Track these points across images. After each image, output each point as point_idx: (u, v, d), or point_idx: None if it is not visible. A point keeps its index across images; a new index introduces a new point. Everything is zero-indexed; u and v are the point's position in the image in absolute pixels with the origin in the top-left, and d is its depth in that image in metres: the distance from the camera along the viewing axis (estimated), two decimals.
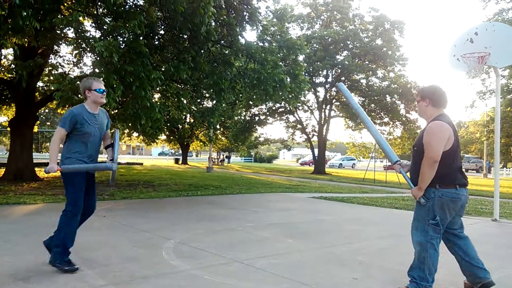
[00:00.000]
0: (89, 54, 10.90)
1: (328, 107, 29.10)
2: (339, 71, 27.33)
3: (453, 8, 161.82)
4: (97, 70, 8.55)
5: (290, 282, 3.52)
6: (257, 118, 29.76)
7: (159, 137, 27.45)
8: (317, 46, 26.55)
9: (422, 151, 3.23)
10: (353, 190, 14.42)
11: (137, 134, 25.32)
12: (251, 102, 24.82)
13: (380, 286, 3.54)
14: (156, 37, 10.90)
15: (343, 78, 27.98)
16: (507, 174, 46.93)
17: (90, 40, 8.71)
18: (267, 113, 29.62)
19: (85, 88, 3.77)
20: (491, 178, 32.20)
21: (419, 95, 3.48)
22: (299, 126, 29.97)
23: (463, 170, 3.40)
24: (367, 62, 27.38)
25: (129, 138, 31.99)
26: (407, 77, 28.66)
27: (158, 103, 12.63)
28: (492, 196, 8.42)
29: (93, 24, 10.67)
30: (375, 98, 26.74)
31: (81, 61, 14.70)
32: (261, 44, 12.53)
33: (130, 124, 12.97)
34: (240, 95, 15.73)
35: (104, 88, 3.86)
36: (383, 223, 7.28)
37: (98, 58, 8.56)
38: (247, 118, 29.61)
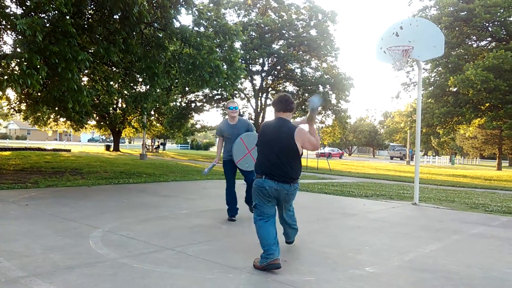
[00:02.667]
0: (9, 32, 10.05)
1: (264, 95, 29.45)
2: (275, 60, 27.69)
3: (383, 2, 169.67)
4: (19, 50, 7.92)
5: (222, 267, 3.55)
6: (193, 104, 29.39)
7: (87, 122, 26.16)
8: (253, 34, 26.66)
9: None
10: None
11: (64, 119, 23.98)
12: (187, 88, 24.44)
13: (308, 267, 3.67)
14: (85, 17, 10.30)
15: (279, 67, 28.40)
16: (427, 161, 50.63)
17: (11, 17, 8.03)
18: (204, 100, 29.34)
19: (225, 107, 5.73)
20: (413, 165, 34.53)
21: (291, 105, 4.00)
22: None
23: (280, 163, 3.71)
24: (301, 52, 28.01)
25: (56, 123, 30.20)
26: (339, 68, 29.78)
27: (87, 86, 12.03)
28: (413, 182, 9.04)
29: (14, 0, 9.84)
30: (309, 87, 27.48)
31: (1, 39, 13.55)
32: (196, 28, 12.33)
33: (56, 108, 12.23)
34: (176, 80, 15.41)
35: (235, 105, 5.85)
36: (313, 208, 7.55)
37: (20, 37, 7.94)
38: (183, 104, 29.14)
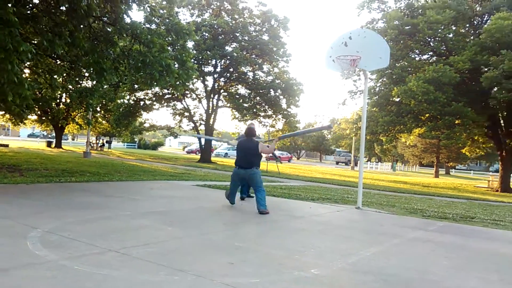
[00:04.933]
0: None
1: (216, 96, 29.31)
2: (227, 62, 27.67)
3: (333, 11, 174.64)
4: None
5: (167, 269, 3.48)
6: (142, 102, 28.64)
7: (28, 117, 24.78)
8: (207, 35, 26.47)
9: None
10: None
11: (2, 112, 22.56)
12: (136, 86, 23.80)
13: (254, 269, 3.70)
14: (29, 6, 9.77)
15: (231, 69, 28.41)
16: (371, 167, 52.63)
17: None
18: (154, 98, 28.69)
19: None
20: (357, 170, 35.78)
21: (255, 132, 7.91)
22: (186, 114, 29.64)
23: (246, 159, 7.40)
24: (254, 56, 28.19)
25: None
26: (290, 73, 30.24)
27: (29, 79, 11.41)
28: (357, 187, 9.37)
29: None
30: (261, 91, 27.70)
31: None
32: (148, 25, 12.06)
33: None
34: (124, 77, 14.98)
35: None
36: None
37: None
38: (131, 102, 28.30)
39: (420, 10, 21.54)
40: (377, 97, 22.60)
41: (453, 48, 20.03)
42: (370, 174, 31.88)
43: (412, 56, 22.52)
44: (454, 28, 20.86)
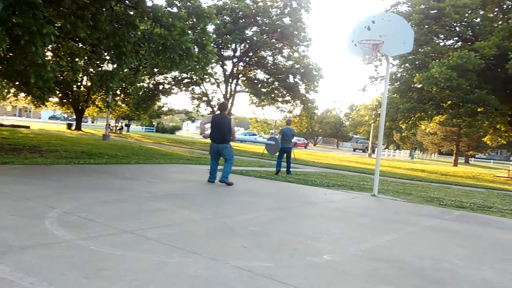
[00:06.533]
0: None
1: (234, 81, 29.26)
2: (247, 46, 27.50)
3: None
4: None
5: (182, 251, 3.54)
6: (161, 86, 28.83)
7: (49, 99, 25.22)
8: (227, 19, 26.32)
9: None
10: (252, 164, 14.85)
11: (24, 94, 23.02)
12: (155, 70, 23.92)
13: (267, 253, 3.72)
14: None
15: (251, 54, 28.25)
16: (388, 154, 52.10)
17: None
18: (172, 83, 28.83)
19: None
20: (374, 157, 35.47)
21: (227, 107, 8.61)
22: (204, 98, 29.73)
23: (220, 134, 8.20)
24: (274, 40, 27.91)
25: (16, 98, 28.97)
26: (310, 58, 29.88)
27: (51, 61, 11.57)
28: (373, 174, 9.30)
29: None
30: (279, 76, 27.51)
31: None
32: (169, 8, 12.05)
33: (17, 83, 11.71)
34: (144, 60, 15.04)
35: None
36: (275, 195, 7.64)
37: None
38: (151, 86, 28.52)
39: None
40: (398, 83, 22.22)
41: (479, 33, 19.47)
42: (388, 162, 31.56)
43: (437, 41, 21.98)
44: (482, 12, 20.24)
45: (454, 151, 46.72)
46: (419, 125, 26.60)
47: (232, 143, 8.64)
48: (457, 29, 20.92)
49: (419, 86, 20.51)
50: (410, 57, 20.50)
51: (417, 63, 20.66)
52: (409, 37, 8.47)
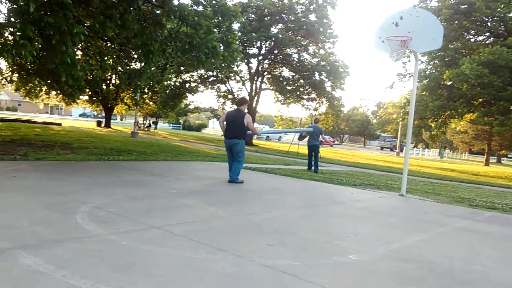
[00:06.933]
0: (4, 1, 9.84)
1: (259, 79, 29.26)
2: (272, 43, 27.44)
3: None
4: (13, 20, 7.76)
5: (208, 247, 3.57)
6: (187, 85, 29.13)
7: (80, 97, 25.88)
8: (252, 16, 26.34)
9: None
10: (277, 162, 14.84)
11: (55, 92, 23.69)
12: (182, 68, 24.19)
13: (293, 252, 3.72)
14: None
15: (276, 51, 28.19)
16: (417, 153, 51.04)
17: None
18: (199, 81, 29.09)
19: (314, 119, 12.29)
20: (402, 156, 34.81)
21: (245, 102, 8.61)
22: (230, 96, 29.87)
23: (235, 131, 8.02)
24: (299, 37, 27.74)
25: (47, 96, 29.84)
26: (336, 55, 29.57)
27: (81, 60, 11.87)
28: (401, 173, 9.13)
29: None
30: (305, 74, 27.32)
31: None
32: (195, 7, 12.15)
33: (48, 81, 12.05)
34: (171, 59, 15.25)
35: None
36: (300, 194, 7.62)
37: (14, 6, 7.77)
38: (178, 84, 28.86)
39: None
40: (427, 80, 21.70)
41: None
42: (416, 161, 30.93)
43: (467, 37, 21.35)
44: None
45: (486, 150, 45.35)
46: (449, 124, 25.94)
47: (256, 141, 8.48)
48: (489, 24, 20.24)
49: (449, 83, 19.98)
50: (439, 53, 19.99)
51: (446, 59, 20.12)
52: (438, 33, 8.26)
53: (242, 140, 8.08)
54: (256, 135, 8.38)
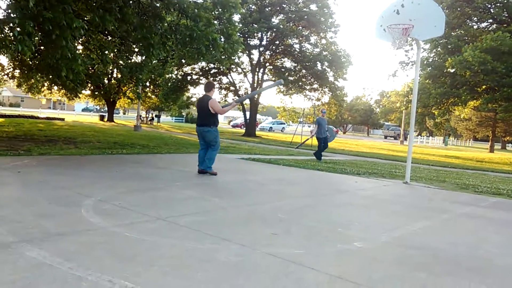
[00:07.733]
0: None
1: (261, 70, 29.16)
2: (273, 34, 27.29)
3: None
4: (12, 15, 7.74)
5: (213, 238, 3.58)
6: (189, 77, 29.07)
7: (82, 91, 25.91)
8: (253, 7, 26.18)
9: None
10: (280, 153, 14.84)
11: (58, 87, 23.71)
12: (183, 61, 24.12)
13: (297, 240, 3.72)
14: None
15: (277, 42, 28.04)
16: (421, 141, 50.89)
17: None
18: (200, 73, 29.02)
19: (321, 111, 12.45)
20: (406, 145, 34.72)
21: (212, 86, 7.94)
22: (232, 88, 29.81)
23: (204, 118, 7.62)
24: (300, 28, 27.56)
25: (50, 91, 29.88)
26: (338, 44, 29.35)
27: (81, 55, 11.86)
28: (405, 161, 9.10)
29: None
30: (307, 64, 27.19)
31: None
32: None
33: (50, 76, 12.05)
34: (172, 52, 15.19)
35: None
36: (304, 184, 7.61)
37: (13, 2, 7.75)
38: (179, 77, 28.82)
39: None
40: (430, 68, 21.55)
41: None
42: (420, 149, 30.85)
43: (470, 24, 21.15)
44: None
45: (490, 137, 45.17)
46: (453, 111, 25.81)
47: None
48: (492, 10, 20.01)
49: (452, 70, 19.84)
50: (442, 41, 19.82)
51: (449, 47, 19.94)
52: (440, 20, 8.18)
53: (213, 127, 7.54)
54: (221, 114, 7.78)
